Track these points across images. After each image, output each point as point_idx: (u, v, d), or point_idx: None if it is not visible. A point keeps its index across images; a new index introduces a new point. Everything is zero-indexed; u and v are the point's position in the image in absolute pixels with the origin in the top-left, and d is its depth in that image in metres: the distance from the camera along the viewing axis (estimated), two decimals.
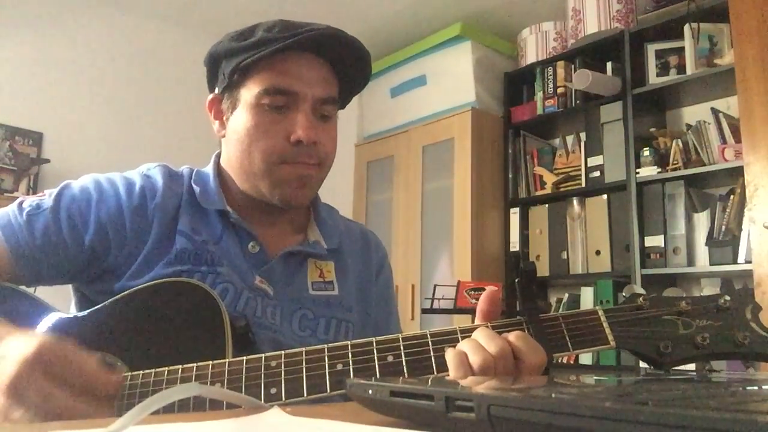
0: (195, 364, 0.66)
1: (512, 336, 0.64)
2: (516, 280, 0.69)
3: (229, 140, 0.89)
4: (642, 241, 2.59)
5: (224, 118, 0.90)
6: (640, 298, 0.68)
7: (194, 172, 0.92)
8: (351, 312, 0.92)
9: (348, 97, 0.95)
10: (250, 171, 0.86)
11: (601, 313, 0.68)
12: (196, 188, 0.88)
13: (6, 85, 2.98)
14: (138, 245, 0.82)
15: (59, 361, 0.56)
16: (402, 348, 0.66)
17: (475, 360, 0.61)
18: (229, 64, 0.86)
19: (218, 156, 0.95)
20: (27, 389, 0.55)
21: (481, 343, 0.63)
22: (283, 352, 0.67)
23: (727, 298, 0.66)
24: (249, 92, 0.85)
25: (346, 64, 0.89)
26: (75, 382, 0.56)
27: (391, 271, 1.06)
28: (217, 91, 0.91)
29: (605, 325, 0.68)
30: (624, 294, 0.70)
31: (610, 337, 0.67)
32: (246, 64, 0.83)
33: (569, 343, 0.67)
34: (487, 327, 0.66)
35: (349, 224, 1.04)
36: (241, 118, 0.86)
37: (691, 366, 1.94)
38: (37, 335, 0.59)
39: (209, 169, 0.93)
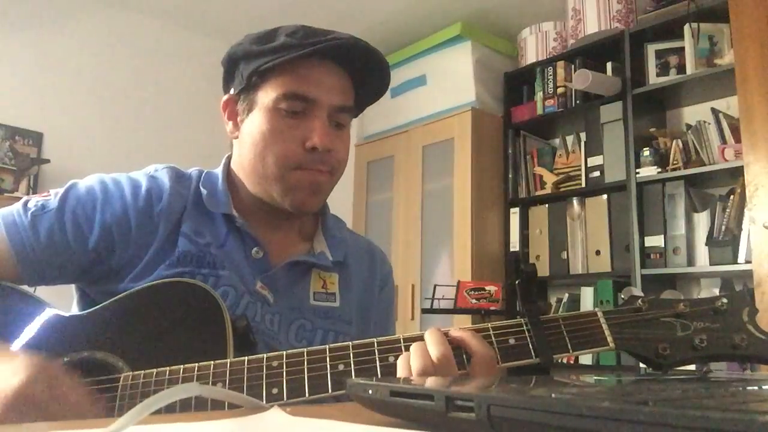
0: (196, 364, 0.66)
1: (466, 335, 0.68)
2: (516, 282, 0.70)
3: (243, 142, 0.89)
4: (642, 241, 2.58)
5: (239, 120, 0.90)
6: (639, 300, 0.69)
7: (203, 174, 0.92)
8: (350, 325, 0.91)
9: (363, 106, 0.94)
10: (263, 175, 0.86)
11: (600, 314, 0.69)
12: (204, 191, 0.88)
13: (6, 85, 2.98)
14: (143, 248, 0.82)
15: (37, 403, 0.57)
16: (403, 348, 0.67)
17: (415, 364, 0.64)
18: (248, 66, 0.85)
19: (229, 158, 0.94)
20: (14, 419, 0.55)
21: (426, 347, 0.66)
22: (284, 352, 0.67)
23: (725, 300, 0.67)
24: (266, 96, 0.85)
25: (365, 74, 0.89)
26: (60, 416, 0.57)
27: (395, 287, 1.05)
28: (233, 91, 0.90)
29: (605, 326, 0.68)
30: (623, 296, 0.71)
31: (609, 339, 0.67)
32: (266, 67, 0.83)
33: (569, 344, 0.68)
34: (438, 330, 0.68)
35: (356, 238, 1.03)
36: (256, 121, 0.86)
37: (691, 366, 1.94)
38: (19, 367, 0.58)
39: (219, 172, 0.92)
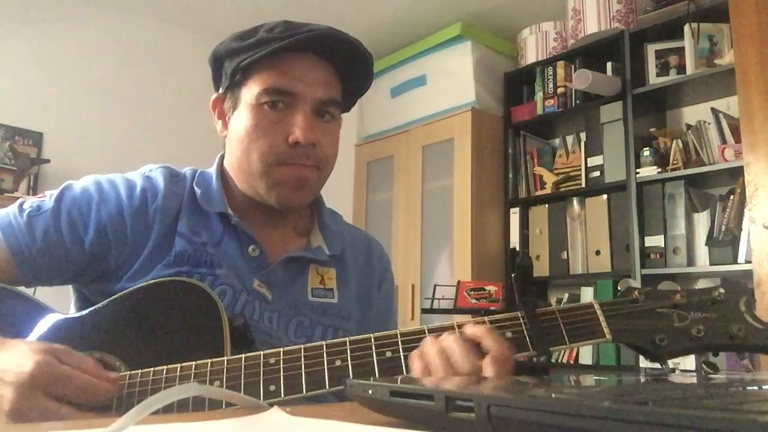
0: (193, 363, 0.66)
1: (482, 333, 0.65)
2: (512, 275, 0.70)
3: (230, 140, 0.89)
4: (642, 241, 2.58)
5: (227, 118, 0.90)
6: (636, 292, 0.69)
7: (197, 174, 0.92)
8: (349, 321, 0.91)
9: (352, 100, 0.94)
10: (249, 171, 0.86)
11: (597, 306, 0.69)
12: (198, 190, 0.88)
13: (6, 85, 2.98)
14: (138, 247, 0.82)
15: (56, 378, 0.58)
16: (400, 343, 0.67)
17: (431, 360, 0.63)
18: (231, 63, 0.86)
19: (222, 157, 0.95)
20: (29, 411, 0.56)
21: (452, 360, 0.63)
22: (281, 349, 0.67)
23: (722, 290, 0.67)
24: (249, 92, 0.85)
25: (348, 65, 0.88)
26: (76, 394, 0.58)
27: (393, 281, 1.05)
28: (220, 90, 0.91)
29: (601, 318, 0.68)
30: (620, 288, 0.71)
31: (606, 331, 0.67)
32: (246, 63, 0.83)
33: (566, 337, 0.68)
34: (457, 334, 0.65)
35: (353, 232, 1.03)
36: (241, 118, 0.86)
37: (691, 366, 1.94)
38: (31, 350, 0.59)
39: (212, 171, 0.92)
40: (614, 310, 0.69)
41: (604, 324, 0.68)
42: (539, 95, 3.08)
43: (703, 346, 0.66)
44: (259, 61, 0.83)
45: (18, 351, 0.60)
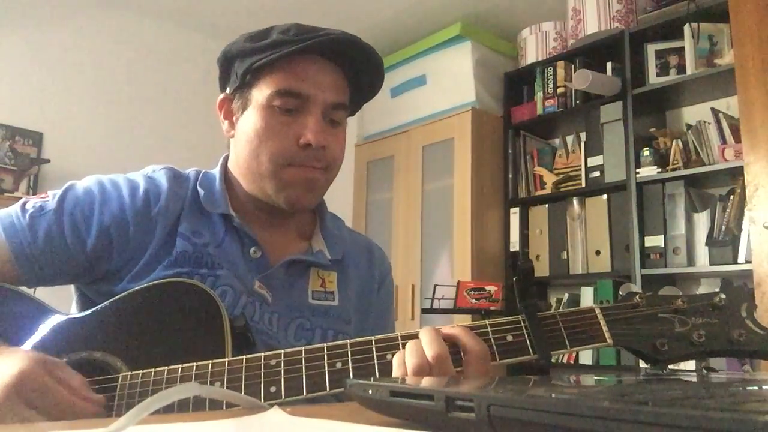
0: (195, 363, 0.66)
1: (459, 332, 0.67)
2: (514, 279, 0.70)
3: (238, 141, 0.89)
4: (642, 241, 2.58)
5: (234, 119, 0.90)
6: (637, 297, 0.69)
7: (201, 175, 0.92)
8: (349, 324, 0.91)
9: (358, 104, 0.94)
10: (258, 172, 0.86)
11: (598, 311, 0.69)
12: (201, 191, 0.88)
13: (6, 85, 2.98)
14: (141, 248, 0.82)
15: (37, 389, 0.58)
16: (401, 346, 0.67)
17: (410, 362, 0.64)
18: (243, 64, 0.86)
19: (226, 159, 0.95)
20: (6, 416, 0.56)
21: (421, 345, 0.65)
22: (282, 351, 0.67)
23: (723, 296, 0.67)
24: (261, 93, 0.85)
25: (359, 71, 0.89)
26: (54, 409, 0.58)
27: (393, 285, 1.05)
28: (228, 90, 0.91)
29: (602, 323, 0.68)
30: (621, 292, 0.71)
31: (608, 335, 0.67)
32: (260, 65, 0.83)
33: (567, 341, 0.68)
34: (433, 329, 0.67)
35: (354, 236, 1.03)
36: (251, 119, 0.86)
37: (691, 365, 1.94)
38: (19, 357, 0.60)
39: (216, 172, 0.92)
40: (615, 315, 0.69)
41: (605, 328, 0.68)
42: (539, 95, 3.08)
43: (704, 352, 0.66)
44: (271, 63, 0.83)
45: (10, 357, 0.60)
